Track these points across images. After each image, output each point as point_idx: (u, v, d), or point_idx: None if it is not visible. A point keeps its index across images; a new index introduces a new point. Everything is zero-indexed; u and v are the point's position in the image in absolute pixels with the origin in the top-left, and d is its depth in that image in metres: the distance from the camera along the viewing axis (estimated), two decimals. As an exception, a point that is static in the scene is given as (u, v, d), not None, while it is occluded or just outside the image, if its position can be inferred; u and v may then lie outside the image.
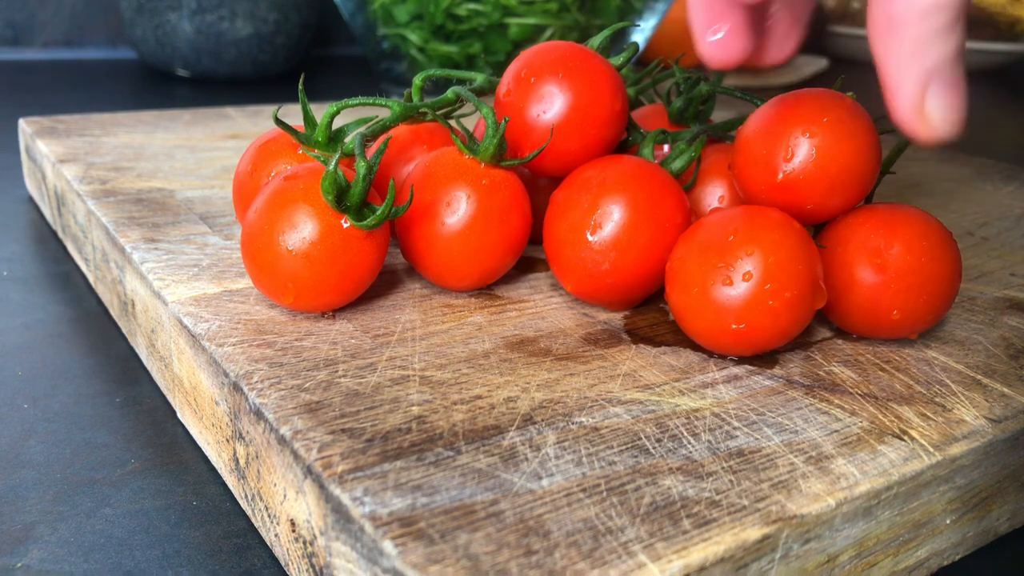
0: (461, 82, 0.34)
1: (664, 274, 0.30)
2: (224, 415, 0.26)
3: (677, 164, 0.33)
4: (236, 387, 0.25)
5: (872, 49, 0.24)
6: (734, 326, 0.27)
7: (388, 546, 0.19)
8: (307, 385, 0.25)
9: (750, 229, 0.27)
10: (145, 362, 0.34)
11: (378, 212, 0.28)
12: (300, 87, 0.30)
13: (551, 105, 0.31)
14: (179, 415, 0.30)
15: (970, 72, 0.24)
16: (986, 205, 0.48)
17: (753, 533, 0.21)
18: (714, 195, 0.34)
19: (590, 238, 0.30)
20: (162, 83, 0.85)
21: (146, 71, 0.90)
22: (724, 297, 0.27)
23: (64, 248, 0.44)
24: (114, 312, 0.37)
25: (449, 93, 0.33)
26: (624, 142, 0.35)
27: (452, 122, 0.34)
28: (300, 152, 0.31)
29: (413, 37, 0.71)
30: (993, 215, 0.46)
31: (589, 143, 0.32)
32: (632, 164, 0.31)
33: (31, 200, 0.50)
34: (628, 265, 0.30)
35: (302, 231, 0.27)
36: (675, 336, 0.30)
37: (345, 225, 0.28)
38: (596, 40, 0.34)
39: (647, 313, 0.32)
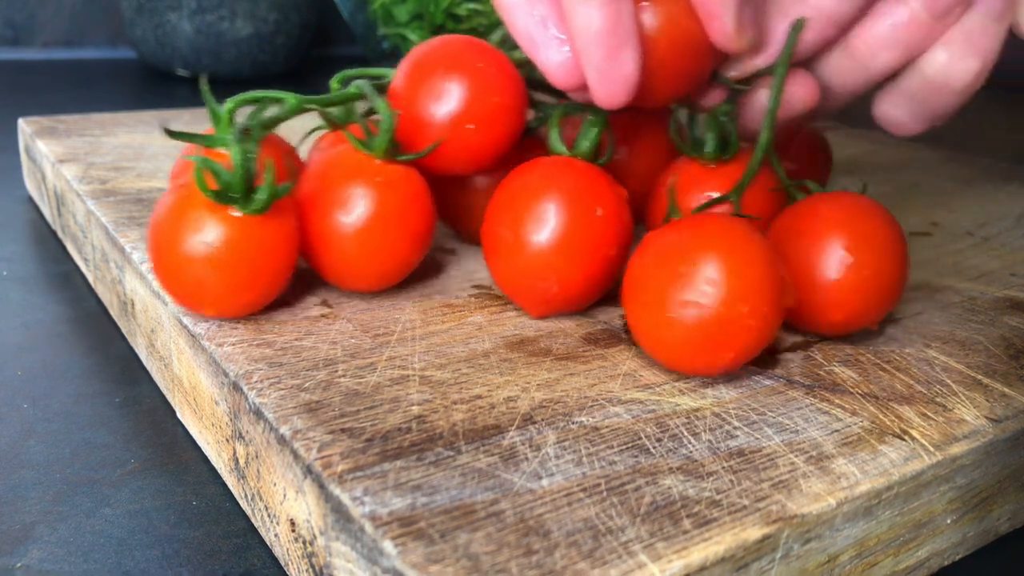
0: (376, 79, 0.34)
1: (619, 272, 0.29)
2: (224, 415, 0.26)
3: (585, 144, 0.31)
4: (236, 387, 0.25)
5: None
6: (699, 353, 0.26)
7: (388, 546, 0.19)
8: (307, 385, 0.25)
9: (709, 248, 0.26)
10: (145, 362, 0.34)
11: (261, 193, 0.27)
12: (203, 87, 0.28)
13: (445, 102, 0.30)
14: (179, 415, 0.30)
15: None
16: (986, 205, 0.48)
17: (753, 533, 0.21)
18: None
19: (528, 250, 0.29)
20: (162, 83, 0.85)
21: (146, 71, 0.90)
22: (690, 322, 0.25)
23: (64, 248, 0.44)
24: (114, 312, 0.37)
25: (352, 87, 0.32)
26: (529, 130, 0.34)
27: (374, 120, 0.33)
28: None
29: (413, 37, 0.71)
30: (993, 215, 0.46)
31: (486, 140, 0.31)
32: (553, 169, 0.30)
33: (31, 200, 0.50)
34: (571, 276, 0.29)
35: (202, 235, 0.26)
36: (675, 336, 0.30)
37: (235, 215, 0.27)
38: (496, 35, 0.33)
39: (647, 313, 0.32)
